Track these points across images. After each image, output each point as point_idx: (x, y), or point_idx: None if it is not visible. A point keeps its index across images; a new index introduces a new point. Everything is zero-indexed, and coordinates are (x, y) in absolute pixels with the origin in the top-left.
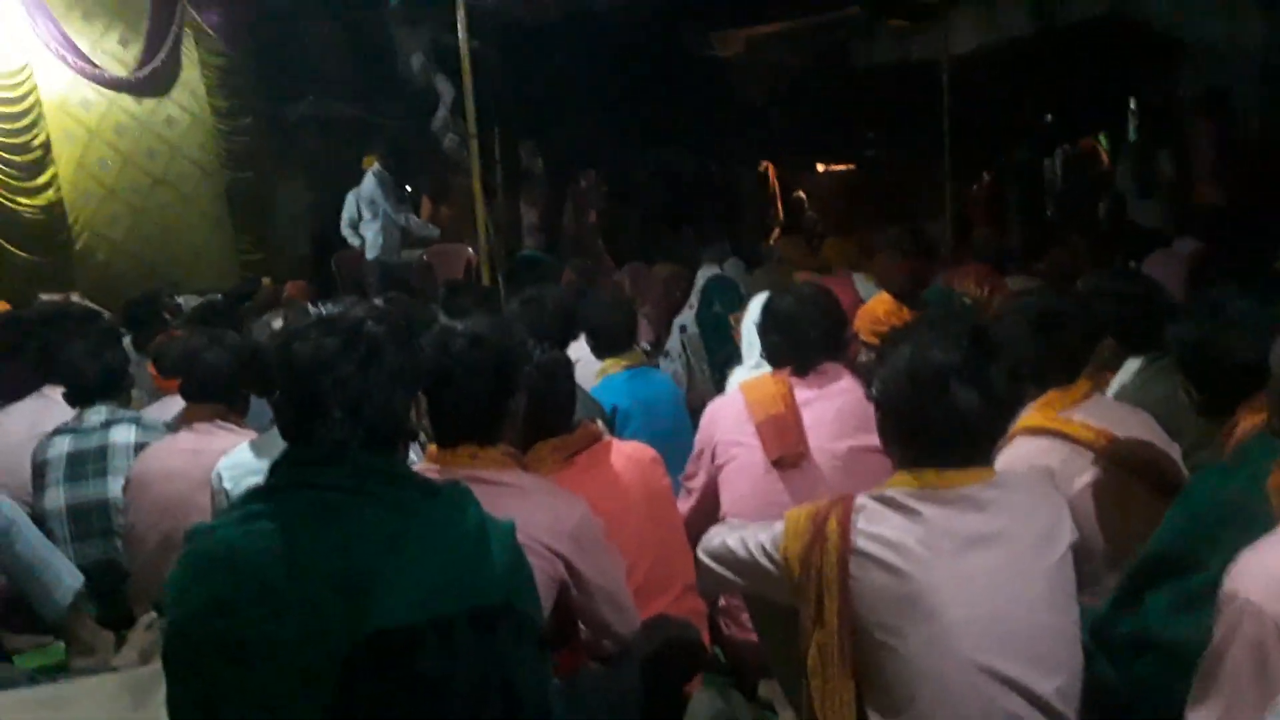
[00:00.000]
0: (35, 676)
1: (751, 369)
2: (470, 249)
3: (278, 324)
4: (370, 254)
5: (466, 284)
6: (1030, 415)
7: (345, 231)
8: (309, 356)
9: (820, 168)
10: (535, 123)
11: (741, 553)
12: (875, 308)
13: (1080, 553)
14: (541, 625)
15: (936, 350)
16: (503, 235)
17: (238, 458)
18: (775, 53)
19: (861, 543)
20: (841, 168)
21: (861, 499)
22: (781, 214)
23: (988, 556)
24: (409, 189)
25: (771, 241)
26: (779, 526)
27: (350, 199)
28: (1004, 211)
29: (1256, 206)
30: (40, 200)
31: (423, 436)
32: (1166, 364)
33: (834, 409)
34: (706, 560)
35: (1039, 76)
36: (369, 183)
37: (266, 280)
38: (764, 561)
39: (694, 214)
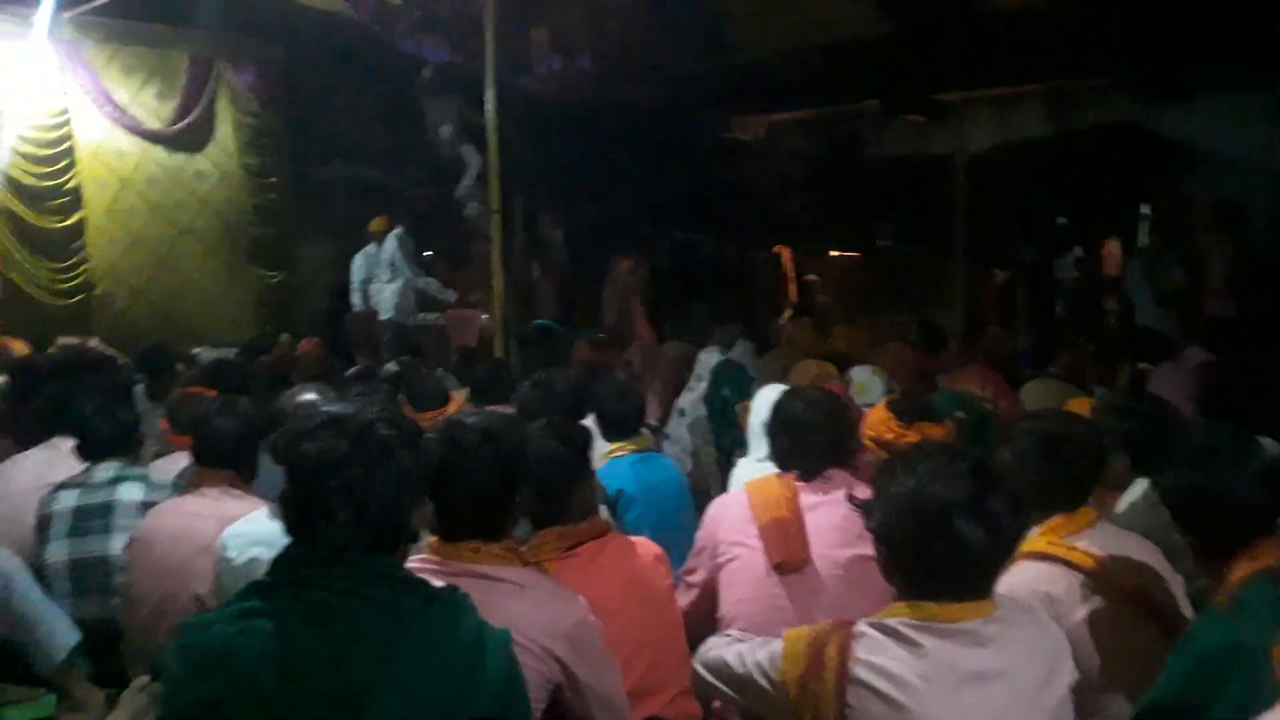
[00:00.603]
0: None
1: (756, 462)
2: (484, 315)
3: (308, 396)
4: (385, 314)
5: (480, 352)
6: (1034, 539)
7: (354, 294)
8: (317, 457)
9: (833, 254)
10: (556, 197)
11: (739, 669)
12: (873, 416)
13: (1079, 686)
14: None
15: (940, 485)
16: (518, 303)
17: (244, 527)
18: (794, 139)
19: (860, 672)
20: (854, 255)
21: (861, 626)
22: (794, 297)
23: (988, 694)
24: (427, 253)
25: (783, 322)
26: (777, 647)
27: (358, 260)
28: (1014, 310)
29: (1266, 319)
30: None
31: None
32: None
33: (839, 515)
34: (703, 672)
35: (1053, 178)
36: (390, 245)
37: (284, 336)
38: (761, 681)
39: (708, 294)
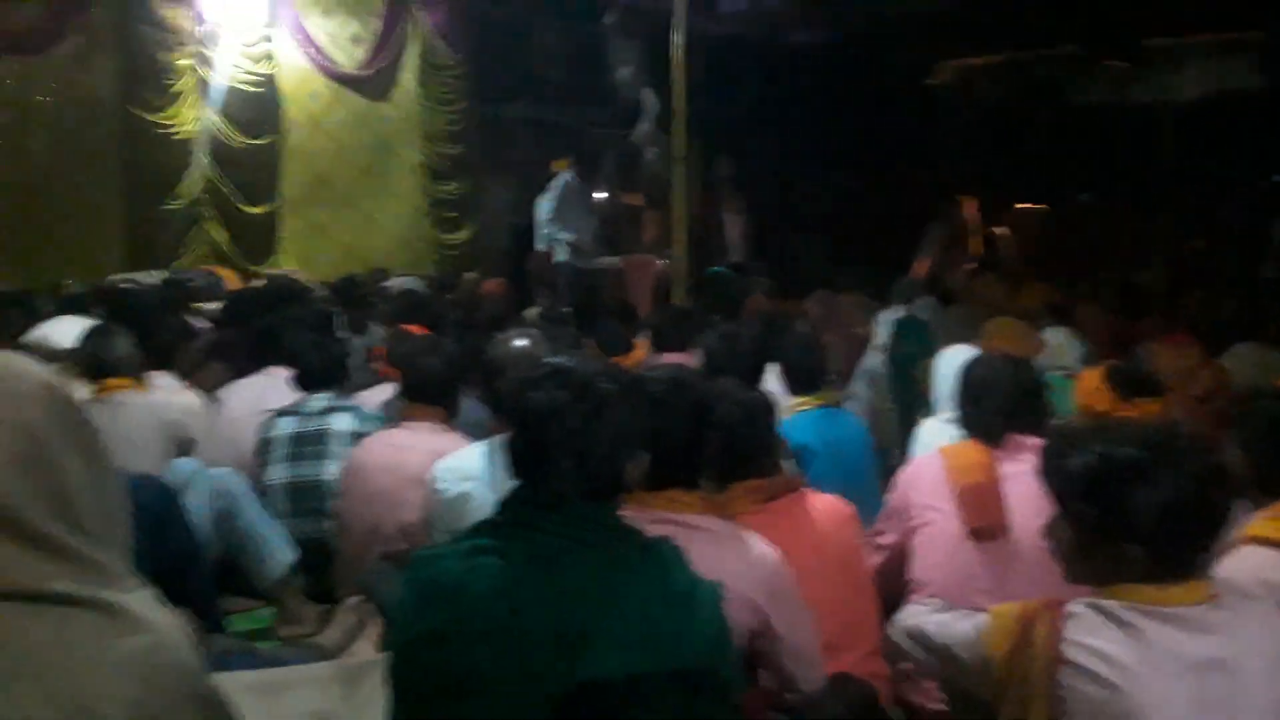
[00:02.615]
0: (252, 647)
1: (942, 423)
2: (661, 261)
3: (520, 343)
4: (560, 257)
5: (656, 297)
6: (1259, 524)
7: (538, 236)
8: (542, 406)
9: (1024, 207)
10: (738, 141)
11: (940, 640)
12: (1087, 382)
13: None
14: (741, 695)
15: (1189, 462)
16: (694, 250)
17: (455, 462)
18: (987, 85)
19: (1072, 653)
20: (1046, 209)
21: (1074, 606)
22: (978, 251)
23: (1211, 684)
24: (600, 195)
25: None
26: (983, 620)
27: (540, 202)
28: (1220, 273)
29: None
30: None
31: None
32: None
33: (1038, 485)
34: (901, 639)
35: (1264, 133)
36: (557, 187)
37: (468, 275)
38: (963, 655)
39: (888, 244)
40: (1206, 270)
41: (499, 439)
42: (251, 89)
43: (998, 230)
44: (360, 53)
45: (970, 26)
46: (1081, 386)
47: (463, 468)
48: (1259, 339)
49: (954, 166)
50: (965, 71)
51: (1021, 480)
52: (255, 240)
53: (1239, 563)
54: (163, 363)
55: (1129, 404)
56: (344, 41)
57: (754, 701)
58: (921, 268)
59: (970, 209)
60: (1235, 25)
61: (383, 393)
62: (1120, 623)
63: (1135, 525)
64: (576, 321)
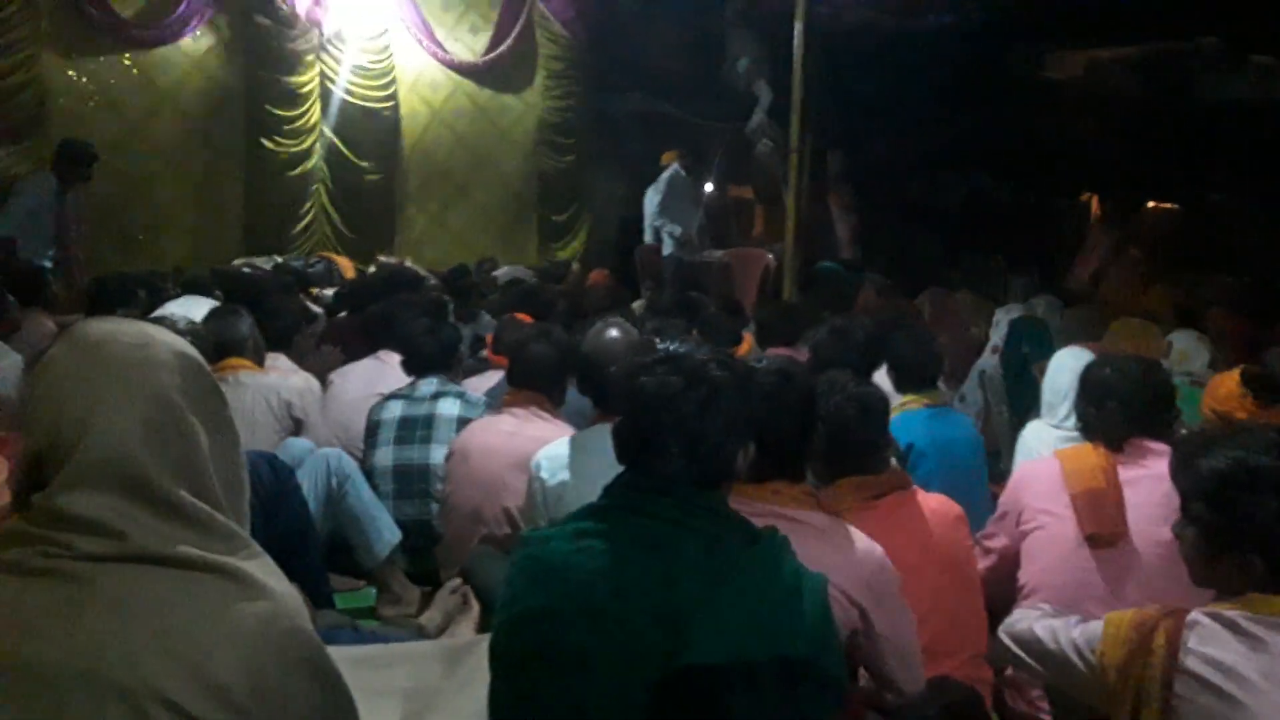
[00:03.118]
0: (356, 623)
1: (1050, 426)
2: (769, 255)
3: (613, 334)
4: (667, 250)
5: (764, 291)
6: None
7: (647, 227)
8: (654, 392)
9: (1150, 205)
10: (854, 134)
11: (1050, 645)
12: (1222, 387)
13: None
14: (845, 688)
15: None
16: (803, 244)
17: (557, 450)
18: (1116, 79)
19: (1191, 663)
20: (1173, 208)
21: (1196, 615)
22: (1104, 252)
23: None
24: (709, 188)
25: (1089, 279)
26: (1096, 627)
27: (649, 194)
28: None
29: None
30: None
31: None
32: None
33: (1161, 492)
34: (1009, 643)
35: None
36: (663, 181)
37: (575, 265)
38: (1075, 659)
39: (1005, 242)
40: None
41: (591, 429)
42: (372, 83)
43: (1124, 231)
44: (480, 43)
45: (1100, 15)
46: (1215, 391)
47: (563, 455)
48: None
49: (1078, 163)
50: (1092, 65)
51: (1143, 486)
52: (372, 230)
53: None
54: (280, 345)
55: (1268, 410)
56: (462, 33)
57: (853, 701)
58: (1085, 267)
59: (1093, 207)
60: None
61: (490, 380)
62: (1243, 634)
63: (1258, 535)
64: (682, 314)
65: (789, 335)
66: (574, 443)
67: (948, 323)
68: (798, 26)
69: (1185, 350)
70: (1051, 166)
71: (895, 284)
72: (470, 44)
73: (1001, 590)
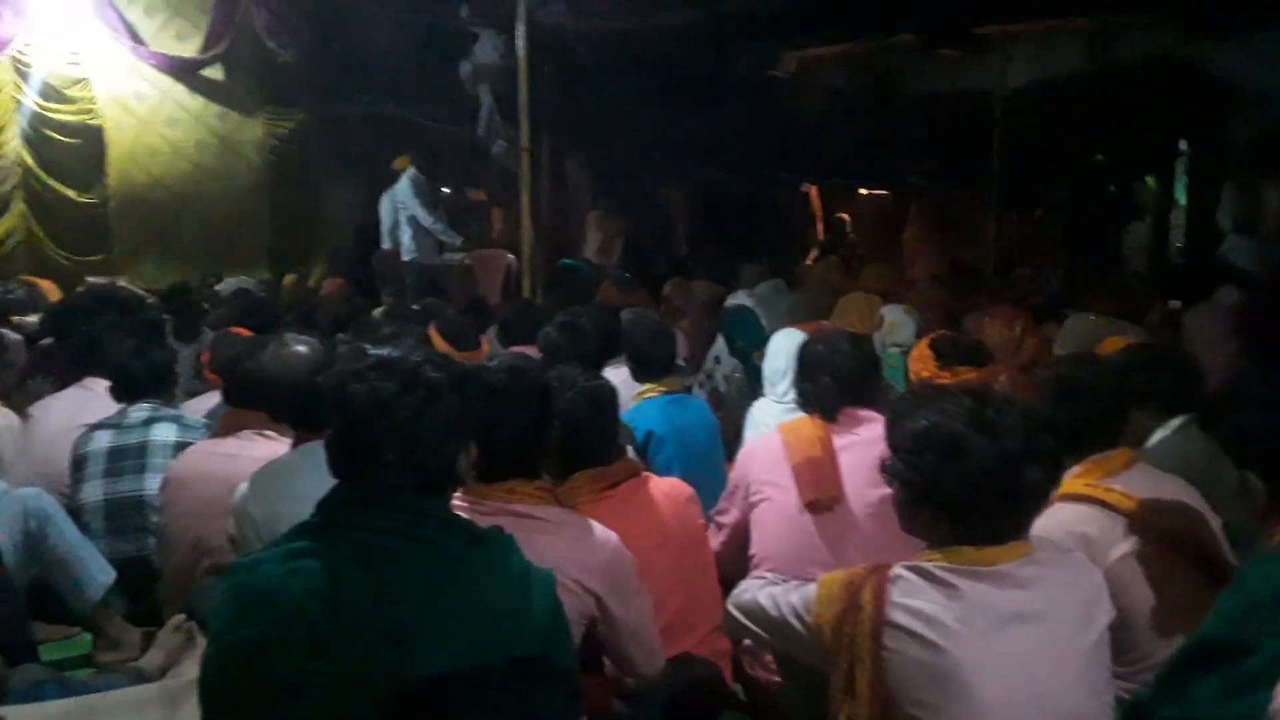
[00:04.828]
0: (63, 677)
1: (773, 403)
2: (510, 256)
3: (299, 349)
4: (406, 255)
5: (507, 292)
6: (1069, 481)
7: (384, 234)
8: (366, 398)
9: (864, 192)
10: (584, 133)
11: (772, 612)
12: (916, 353)
13: (1116, 625)
14: (579, 680)
15: (1005, 440)
16: (544, 244)
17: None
18: (826, 75)
19: (896, 615)
20: (885, 193)
21: (897, 569)
22: (822, 236)
23: (1026, 635)
24: (445, 190)
25: (809, 262)
26: (811, 590)
27: (385, 201)
28: (1049, 250)
29: None
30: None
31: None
32: None
33: (872, 456)
34: (736, 614)
35: (1092, 114)
36: (402, 185)
37: (287, 279)
38: (794, 623)
39: (737, 233)
40: (1035, 246)
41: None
42: (66, 93)
43: (839, 216)
44: (190, 49)
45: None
46: (911, 356)
47: (271, 480)
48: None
49: (798, 155)
50: (805, 62)
51: (855, 451)
52: (81, 249)
53: (1051, 518)
54: None
55: (950, 371)
56: (167, 39)
57: (598, 689)
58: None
59: (813, 196)
60: (1063, 11)
61: (211, 400)
62: (940, 583)
63: (944, 494)
64: (424, 318)
65: (529, 333)
66: (283, 465)
67: (688, 311)
68: (520, 29)
69: (895, 322)
70: (775, 159)
71: (643, 280)
72: (178, 50)
73: (737, 563)
